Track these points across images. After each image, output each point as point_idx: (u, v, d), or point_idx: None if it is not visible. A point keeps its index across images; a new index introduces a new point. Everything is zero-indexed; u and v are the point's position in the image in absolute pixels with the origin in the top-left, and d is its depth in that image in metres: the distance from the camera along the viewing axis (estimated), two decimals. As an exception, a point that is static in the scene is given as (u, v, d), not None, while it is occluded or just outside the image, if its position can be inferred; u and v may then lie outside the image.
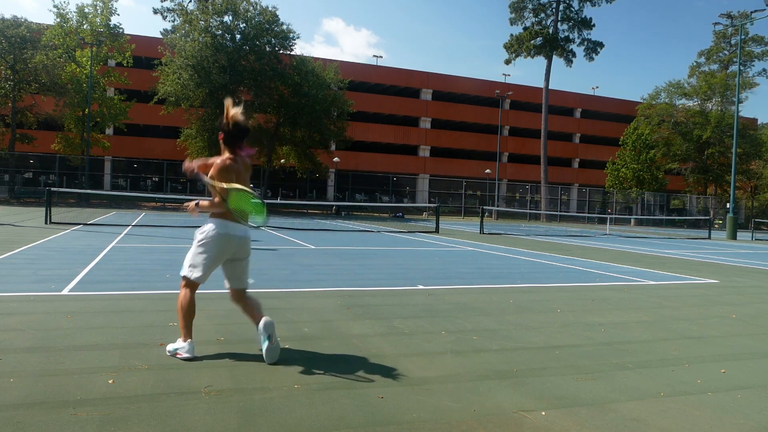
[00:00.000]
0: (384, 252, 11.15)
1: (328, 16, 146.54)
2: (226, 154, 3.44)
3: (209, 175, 3.36)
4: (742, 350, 4.23)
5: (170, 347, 3.49)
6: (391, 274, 7.81)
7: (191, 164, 3.56)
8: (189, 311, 3.43)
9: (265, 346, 3.34)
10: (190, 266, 3.42)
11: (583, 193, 55.86)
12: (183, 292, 3.45)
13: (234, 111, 3.49)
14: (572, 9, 44.53)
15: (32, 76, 32.33)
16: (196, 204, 3.39)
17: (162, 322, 4.26)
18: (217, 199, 3.33)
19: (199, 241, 3.40)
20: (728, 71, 50.29)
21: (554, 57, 44.80)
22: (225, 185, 3.28)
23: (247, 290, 3.58)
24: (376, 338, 4.05)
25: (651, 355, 3.94)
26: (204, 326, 4.19)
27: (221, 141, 3.50)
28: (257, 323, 3.41)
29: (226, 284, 3.56)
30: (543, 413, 2.72)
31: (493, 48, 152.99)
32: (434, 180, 52.75)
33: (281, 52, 35.88)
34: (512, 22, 45.66)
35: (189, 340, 3.42)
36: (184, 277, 3.44)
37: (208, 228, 3.39)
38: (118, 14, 51.69)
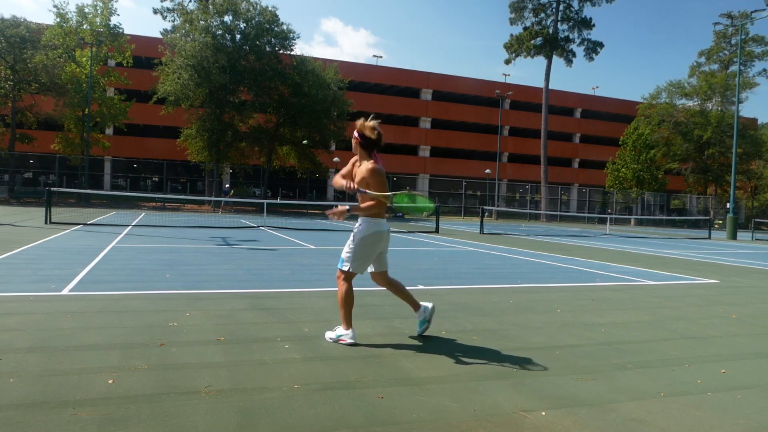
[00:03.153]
0: (384, 252, 11.14)
1: (325, 16, 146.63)
2: (371, 160, 3.84)
3: (364, 180, 3.78)
4: (742, 350, 4.23)
5: (331, 335, 3.89)
6: (391, 274, 7.80)
7: (347, 183, 3.93)
8: (348, 301, 3.81)
9: (420, 328, 4.10)
10: (350, 260, 3.81)
11: (583, 193, 55.87)
12: (342, 285, 3.83)
13: (370, 122, 3.85)
14: (572, 9, 44.53)
15: (32, 76, 32.32)
16: (348, 209, 3.78)
17: (162, 322, 4.25)
18: (373, 202, 3.77)
19: (359, 239, 3.80)
20: (728, 71, 50.31)
21: (554, 57, 44.79)
22: (389, 193, 3.82)
23: (382, 270, 4.05)
24: (376, 338, 4.05)
25: (651, 355, 3.94)
26: (204, 326, 4.19)
27: (358, 146, 3.85)
28: (414, 308, 4.09)
29: (371, 269, 4.00)
30: (543, 413, 2.72)
31: (493, 48, 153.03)
32: (434, 180, 52.75)
33: (281, 52, 35.88)
34: (512, 22, 45.67)
35: (351, 328, 3.83)
36: (343, 271, 3.83)
37: (365, 227, 3.81)
38: (118, 14, 51.64)
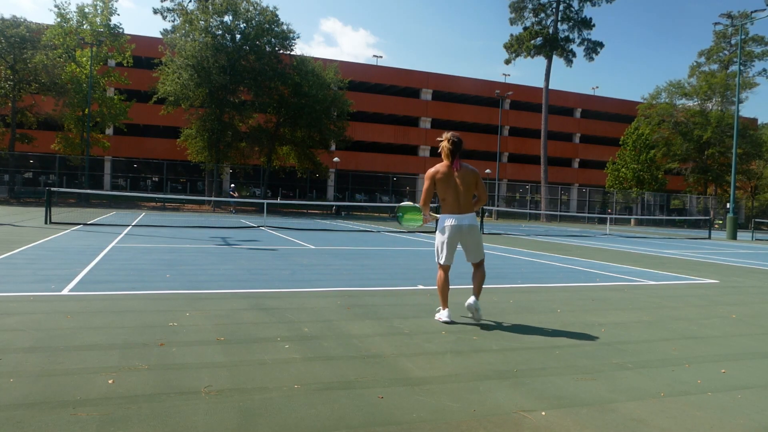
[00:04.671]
0: (384, 252, 11.15)
1: (324, 16, 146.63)
2: (438, 164, 4.58)
3: (480, 184, 4.69)
4: (742, 350, 4.22)
5: (436, 316, 4.71)
6: (391, 274, 7.81)
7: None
8: (442, 287, 4.62)
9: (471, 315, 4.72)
10: (435, 253, 4.70)
11: (583, 193, 55.88)
12: (438, 273, 4.69)
13: (448, 133, 4.59)
14: (572, 9, 44.51)
15: (32, 76, 32.30)
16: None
17: (162, 322, 4.25)
18: (485, 196, 4.79)
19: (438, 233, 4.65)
20: (728, 71, 50.27)
21: (554, 57, 44.77)
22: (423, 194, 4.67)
23: (482, 261, 4.77)
24: (376, 338, 4.05)
25: (651, 355, 3.94)
26: (204, 326, 4.19)
27: (452, 153, 4.54)
28: (447, 307, 4.64)
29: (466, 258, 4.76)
30: (543, 413, 2.72)
31: (493, 48, 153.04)
32: (434, 180, 52.63)
33: (281, 52, 35.87)
34: (512, 22, 45.65)
35: (446, 308, 4.61)
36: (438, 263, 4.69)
37: (440, 222, 4.62)
38: (118, 14, 51.67)
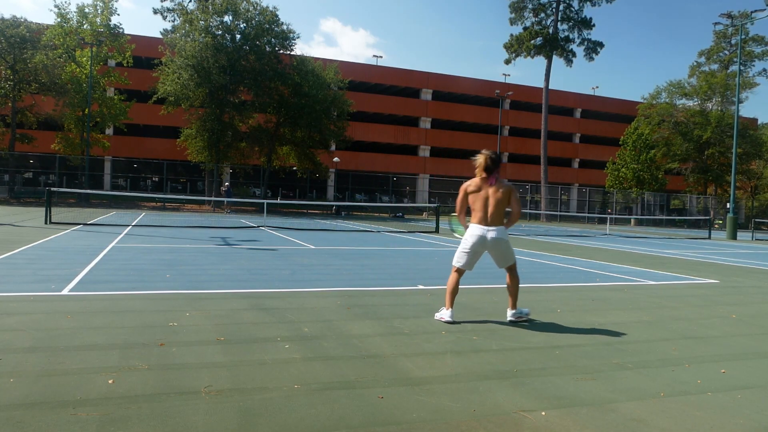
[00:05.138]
0: (384, 252, 11.15)
1: (324, 16, 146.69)
2: (503, 179, 4.86)
3: (513, 199, 4.86)
4: (742, 350, 4.23)
5: (436, 315, 4.82)
6: (391, 274, 7.81)
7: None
8: (451, 288, 4.77)
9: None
10: (457, 257, 4.85)
11: (583, 193, 55.87)
12: (451, 274, 4.85)
13: (487, 151, 4.86)
14: (572, 9, 44.50)
15: (32, 76, 32.28)
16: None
17: (162, 322, 4.25)
18: (519, 211, 4.95)
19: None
20: (728, 71, 50.24)
21: (554, 57, 44.75)
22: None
23: (514, 266, 4.93)
24: (376, 338, 4.05)
25: (651, 355, 3.94)
26: (204, 326, 4.19)
27: (488, 169, 4.76)
28: (450, 308, 4.74)
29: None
30: (543, 413, 2.72)
31: (493, 48, 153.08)
32: (434, 180, 52.72)
33: (281, 52, 35.86)
34: (512, 22, 45.63)
35: (450, 309, 4.72)
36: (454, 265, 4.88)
37: (468, 229, 4.83)
38: (119, 14, 51.65)
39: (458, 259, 4.82)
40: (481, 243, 4.74)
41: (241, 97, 36.04)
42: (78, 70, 34.65)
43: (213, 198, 30.80)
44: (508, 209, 4.85)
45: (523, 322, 4.86)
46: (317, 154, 38.42)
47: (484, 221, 4.75)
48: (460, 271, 4.83)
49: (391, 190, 51.37)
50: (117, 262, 7.77)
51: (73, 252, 8.74)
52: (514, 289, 4.87)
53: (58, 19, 34.56)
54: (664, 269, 10.00)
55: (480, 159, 4.78)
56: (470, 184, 4.84)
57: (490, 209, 4.74)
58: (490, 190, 4.76)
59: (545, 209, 44.77)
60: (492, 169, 4.76)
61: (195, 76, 32.70)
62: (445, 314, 4.72)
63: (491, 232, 4.72)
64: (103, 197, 35.87)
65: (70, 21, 34.84)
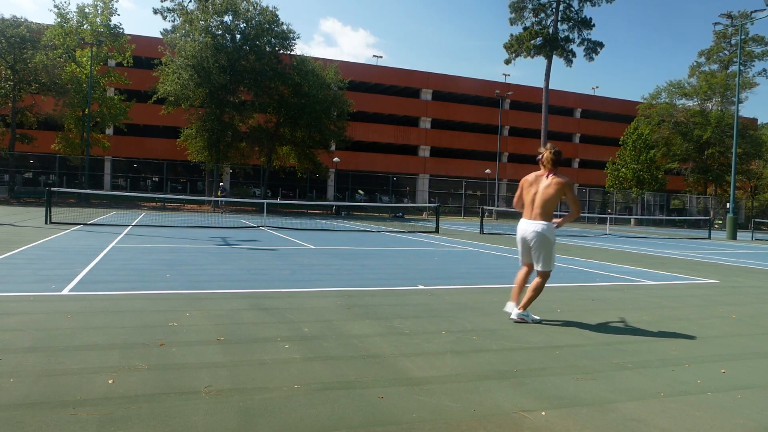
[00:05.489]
0: (384, 252, 11.15)
1: (323, 16, 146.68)
2: (562, 175, 4.81)
3: (569, 195, 4.85)
4: (742, 350, 4.23)
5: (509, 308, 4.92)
6: (391, 274, 7.81)
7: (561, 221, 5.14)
8: (517, 282, 4.98)
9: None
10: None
11: (583, 193, 55.80)
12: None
13: (549, 145, 4.90)
14: (572, 9, 44.47)
15: (32, 76, 32.29)
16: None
17: (162, 322, 4.25)
18: (577, 209, 4.96)
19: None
20: (728, 71, 50.21)
21: (554, 57, 44.71)
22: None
23: (536, 269, 4.94)
24: (376, 338, 4.05)
25: (651, 355, 3.94)
26: (204, 326, 4.19)
27: (553, 163, 4.78)
28: (515, 301, 4.83)
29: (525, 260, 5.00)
30: (543, 413, 2.72)
31: (493, 48, 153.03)
32: (434, 180, 52.73)
33: (281, 52, 35.86)
34: (512, 22, 45.60)
35: (512, 302, 4.86)
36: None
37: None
38: (119, 14, 51.65)
39: (519, 255, 4.98)
40: (523, 236, 4.88)
41: (241, 97, 36.05)
42: (78, 70, 34.65)
43: (213, 198, 30.81)
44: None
45: (523, 323, 4.84)
46: (317, 154, 38.42)
47: (529, 214, 4.85)
48: (524, 267, 4.99)
49: (391, 190, 51.36)
50: (117, 262, 7.77)
51: (73, 252, 8.74)
52: (533, 294, 4.86)
53: (58, 19, 34.56)
54: (664, 269, 10.00)
55: (545, 153, 4.80)
56: (528, 177, 4.91)
57: (537, 203, 4.79)
58: (542, 185, 4.80)
59: (545, 209, 44.63)
60: (555, 163, 4.78)
61: (195, 76, 32.70)
62: (507, 306, 4.93)
63: (531, 225, 4.81)
64: (103, 197, 35.87)
65: (70, 21, 34.84)
